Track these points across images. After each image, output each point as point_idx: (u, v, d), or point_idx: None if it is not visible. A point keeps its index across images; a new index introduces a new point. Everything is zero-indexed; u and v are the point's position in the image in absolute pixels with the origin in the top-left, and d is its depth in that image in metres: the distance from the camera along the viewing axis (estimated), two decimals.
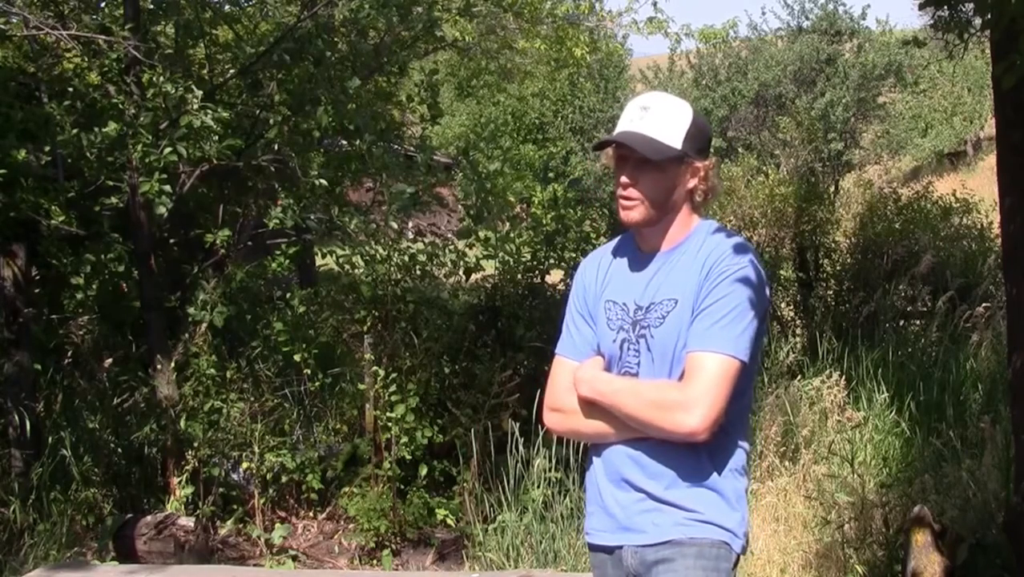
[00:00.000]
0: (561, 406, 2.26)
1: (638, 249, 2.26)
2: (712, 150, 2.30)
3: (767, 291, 2.17)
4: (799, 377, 6.19)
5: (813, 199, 8.29)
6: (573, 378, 2.23)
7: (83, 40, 5.82)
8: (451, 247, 6.49)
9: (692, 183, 2.19)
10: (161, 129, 5.71)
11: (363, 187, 7.69)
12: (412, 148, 8.31)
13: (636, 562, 2.16)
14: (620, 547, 2.18)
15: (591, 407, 2.19)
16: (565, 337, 2.32)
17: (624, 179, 2.16)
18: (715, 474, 2.13)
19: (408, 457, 5.76)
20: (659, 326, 2.14)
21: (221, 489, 5.77)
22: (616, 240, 2.35)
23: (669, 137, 2.14)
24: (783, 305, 7.87)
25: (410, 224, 8.36)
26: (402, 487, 5.81)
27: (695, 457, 2.11)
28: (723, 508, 2.13)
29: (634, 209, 2.17)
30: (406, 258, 6.25)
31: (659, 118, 2.15)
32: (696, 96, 19.33)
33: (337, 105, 6.27)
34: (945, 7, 3.87)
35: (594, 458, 2.26)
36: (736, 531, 2.14)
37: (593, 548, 2.27)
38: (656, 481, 2.13)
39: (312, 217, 6.98)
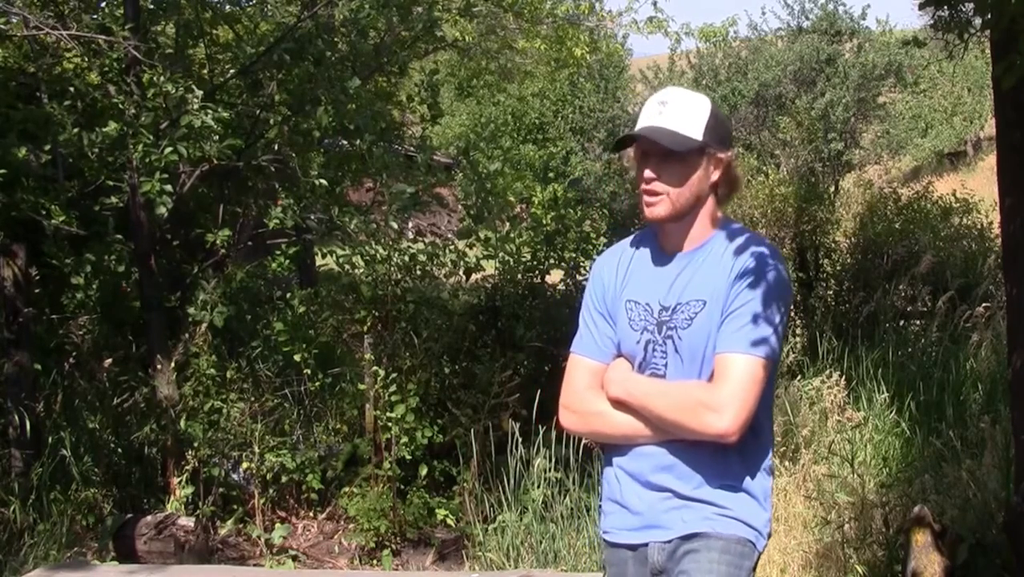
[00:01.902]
0: (580, 407, 2.23)
1: (660, 248, 2.23)
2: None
3: (791, 292, 2.17)
4: (799, 377, 6.19)
5: (813, 199, 8.30)
6: (603, 378, 2.21)
7: (83, 40, 5.82)
8: (451, 247, 6.49)
9: (716, 175, 2.18)
10: (161, 129, 5.71)
11: (363, 187, 7.68)
12: (412, 148, 8.31)
13: (663, 557, 2.14)
14: (645, 544, 2.17)
15: (619, 409, 2.17)
16: (583, 335, 2.28)
17: (648, 173, 2.15)
18: (746, 475, 2.13)
19: (408, 457, 5.76)
20: (687, 328, 2.13)
21: (221, 489, 5.77)
22: (632, 237, 2.33)
23: (690, 129, 2.13)
24: None
25: (410, 224, 8.35)
26: (402, 487, 5.81)
27: (724, 458, 2.11)
28: (753, 507, 2.13)
29: (659, 204, 2.15)
30: (406, 258, 6.24)
31: (678, 111, 2.15)
32: None
33: (337, 105, 6.27)
34: (945, 7, 3.86)
35: (615, 458, 2.23)
36: (762, 531, 2.15)
37: (613, 546, 2.24)
38: (685, 482, 2.12)
39: (312, 217, 6.98)
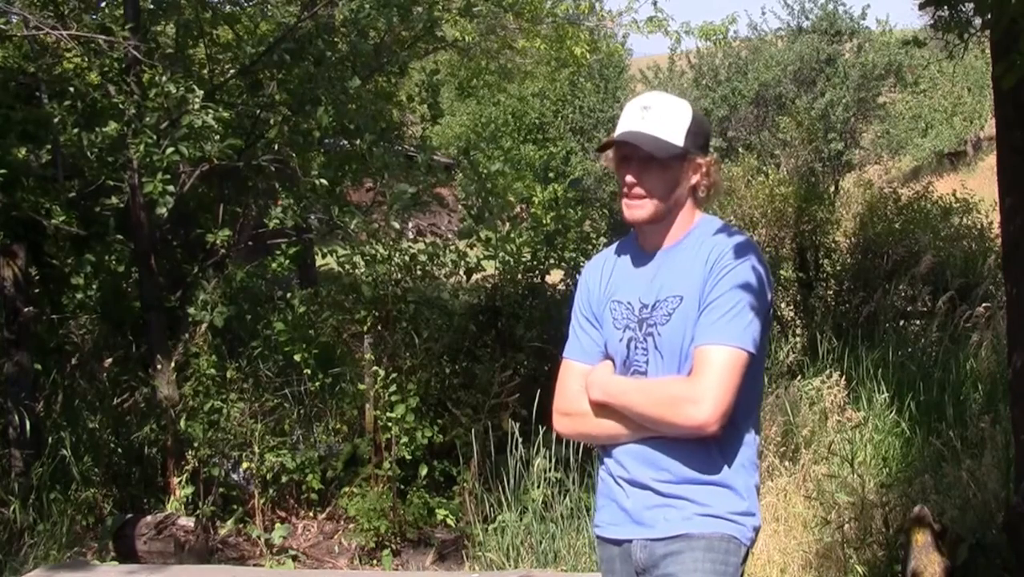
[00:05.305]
0: (571, 410, 2.27)
1: (640, 248, 2.27)
2: (712, 148, 2.32)
3: (771, 285, 2.18)
4: (799, 377, 6.19)
5: (813, 199, 8.30)
6: (585, 382, 2.24)
7: (83, 40, 5.82)
8: (452, 247, 6.49)
9: (695, 179, 2.22)
10: (162, 129, 5.72)
11: (363, 187, 7.69)
12: (412, 148, 8.32)
13: (645, 556, 2.16)
14: (630, 541, 2.19)
15: (602, 409, 2.20)
16: (572, 341, 2.33)
17: (629, 178, 2.18)
18: (726, 468, 2.14)
19: (408, 457, 5.76)
20: (666, 323, 2.15)
21: (221, 489, 5.77)
22: (617, 243, 2.37)
23: (671, 135, 2.16)
24: (783, 305, 7.87)
25: (410, 224, 8.36)
26: (402, 487, 5.81)
27: (705, 452, 2.12)
28: (733, 502, 2.14)
29: (641, 208, 2.19)
30: (407, 258, 6.25)
31: (660, 116, 2.18)
32: (696, 96, 19.31)
33: (337, 105, 6.27)
34: (945, 7, 3.87)
35: (605, 457, 2.27)
36: (746, 525, 2.15)
37: (602, 541, 2.28)
38: (666, 479, 2.14)
39: (312, 217, 6.99)
